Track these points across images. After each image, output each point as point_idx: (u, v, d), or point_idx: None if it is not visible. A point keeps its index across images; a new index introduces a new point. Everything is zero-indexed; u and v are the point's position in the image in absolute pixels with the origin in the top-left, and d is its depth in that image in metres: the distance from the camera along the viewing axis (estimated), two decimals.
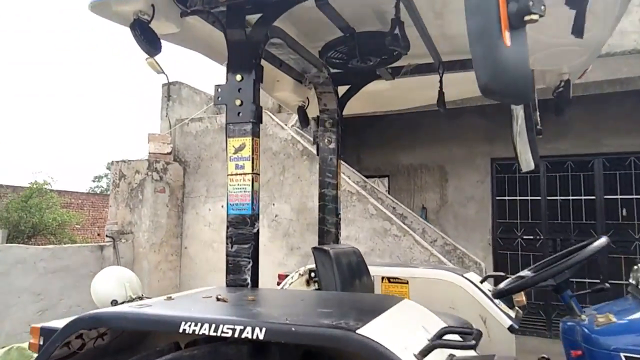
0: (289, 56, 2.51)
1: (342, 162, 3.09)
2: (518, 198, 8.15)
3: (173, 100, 7.37)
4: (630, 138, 7.38)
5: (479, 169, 8.35)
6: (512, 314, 2.62)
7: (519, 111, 2.81)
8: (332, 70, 2.90)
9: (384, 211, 5.52)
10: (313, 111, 3.21)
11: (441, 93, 2.76)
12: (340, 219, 2.93)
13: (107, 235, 6.58)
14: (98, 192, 27.62)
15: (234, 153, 2.06)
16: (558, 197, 7.91)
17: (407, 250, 5.27)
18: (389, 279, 2.76)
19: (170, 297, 1.74)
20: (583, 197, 7.71)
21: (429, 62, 2.82)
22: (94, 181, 33.68)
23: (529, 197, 8.08)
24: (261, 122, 2.09)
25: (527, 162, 2.81)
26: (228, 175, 2.08)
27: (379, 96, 3.20)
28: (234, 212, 2.05)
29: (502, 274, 2.86)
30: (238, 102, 2.06)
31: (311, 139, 7.26)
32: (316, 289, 2.65)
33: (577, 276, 7.80)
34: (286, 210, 6.12)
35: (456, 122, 8.31)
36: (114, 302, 2.18)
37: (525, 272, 2.12)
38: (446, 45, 2.62)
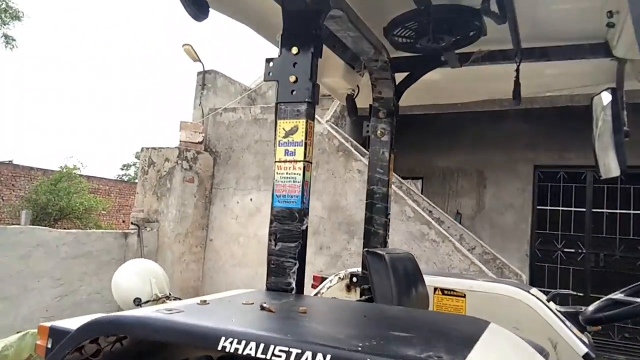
0: (347, 33, 2.22)
1: None
2: (561, 208, 7.70)
3: (207, 89, 7.16)
4: None
5: (520, 176, 7.92)
6: (585, 338, 2.28)
7: (599, 112, 2.46)
8: (392, 56, 2.59)
9: (422, 214, 5.19)
10: (361, 101, 2.91)
11: (517, 84, 2.42)
12: (389, 219, 2.63)
13: (132, 223, 6.41)
14: (126, 180, 27.89)
15: (284, 137, 1.78)
16: (604, 210, 7.43)
17: (445, 257, 4.93)
18: (442, 290, 2.45)
19: (205, 302, 1.47)
20: (632, 211, 7.22)
21: (502, 49, 2.49)
22: (122, 169, 34.07)
23: (573, 208, 7.62)
24: (317, 104, 1.80)
25: (608, 168, 2.45)
26: (275, 162, 1.80)
27: (436, 86, 2.89)
28: (280, 205, 1.77)
29: (572, 292, 2.51)
30: (292, 79, 1.78)
31: (346, 135, 6.98)
32: (365, 298, 2.35)
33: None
34: (317, 207, 5.83)
35: (498, 126, 7.90)
36: (137, 301, 1.92)
37: (619, 296, 1.78)
38: (526, 28, 2.29)
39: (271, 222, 1.78)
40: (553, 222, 7.71)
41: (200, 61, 7.11)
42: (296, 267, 1.72)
